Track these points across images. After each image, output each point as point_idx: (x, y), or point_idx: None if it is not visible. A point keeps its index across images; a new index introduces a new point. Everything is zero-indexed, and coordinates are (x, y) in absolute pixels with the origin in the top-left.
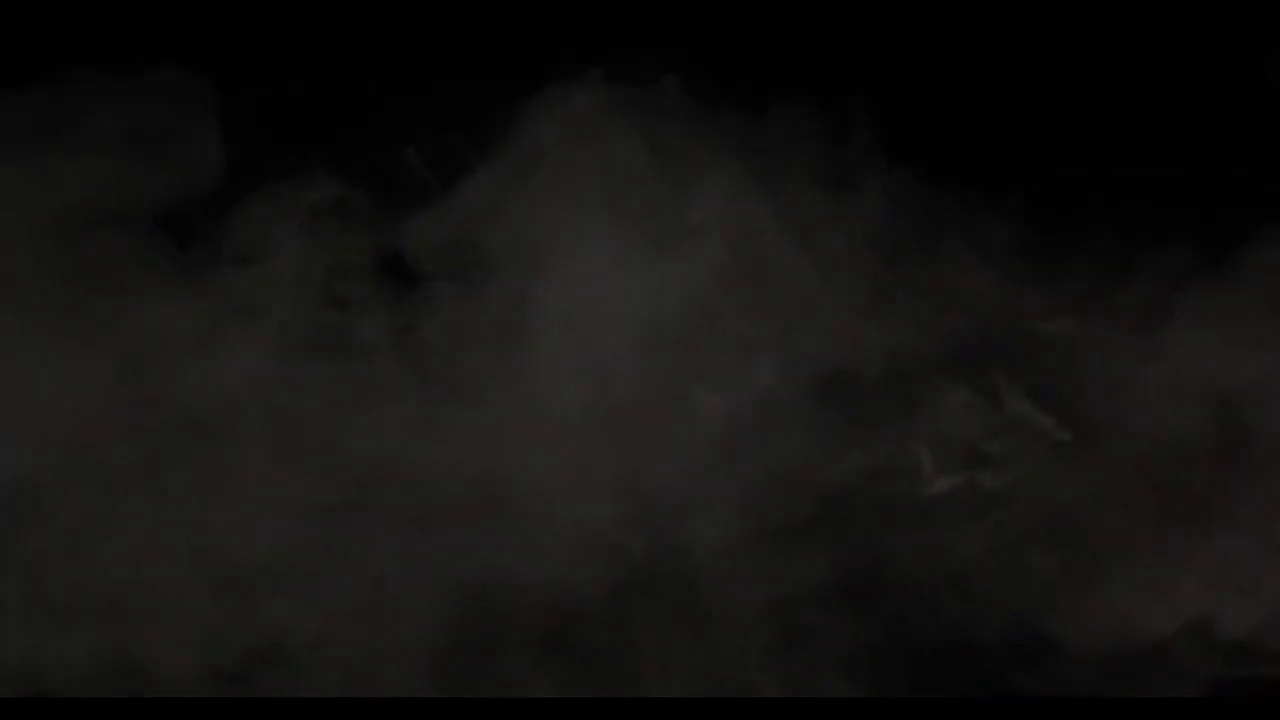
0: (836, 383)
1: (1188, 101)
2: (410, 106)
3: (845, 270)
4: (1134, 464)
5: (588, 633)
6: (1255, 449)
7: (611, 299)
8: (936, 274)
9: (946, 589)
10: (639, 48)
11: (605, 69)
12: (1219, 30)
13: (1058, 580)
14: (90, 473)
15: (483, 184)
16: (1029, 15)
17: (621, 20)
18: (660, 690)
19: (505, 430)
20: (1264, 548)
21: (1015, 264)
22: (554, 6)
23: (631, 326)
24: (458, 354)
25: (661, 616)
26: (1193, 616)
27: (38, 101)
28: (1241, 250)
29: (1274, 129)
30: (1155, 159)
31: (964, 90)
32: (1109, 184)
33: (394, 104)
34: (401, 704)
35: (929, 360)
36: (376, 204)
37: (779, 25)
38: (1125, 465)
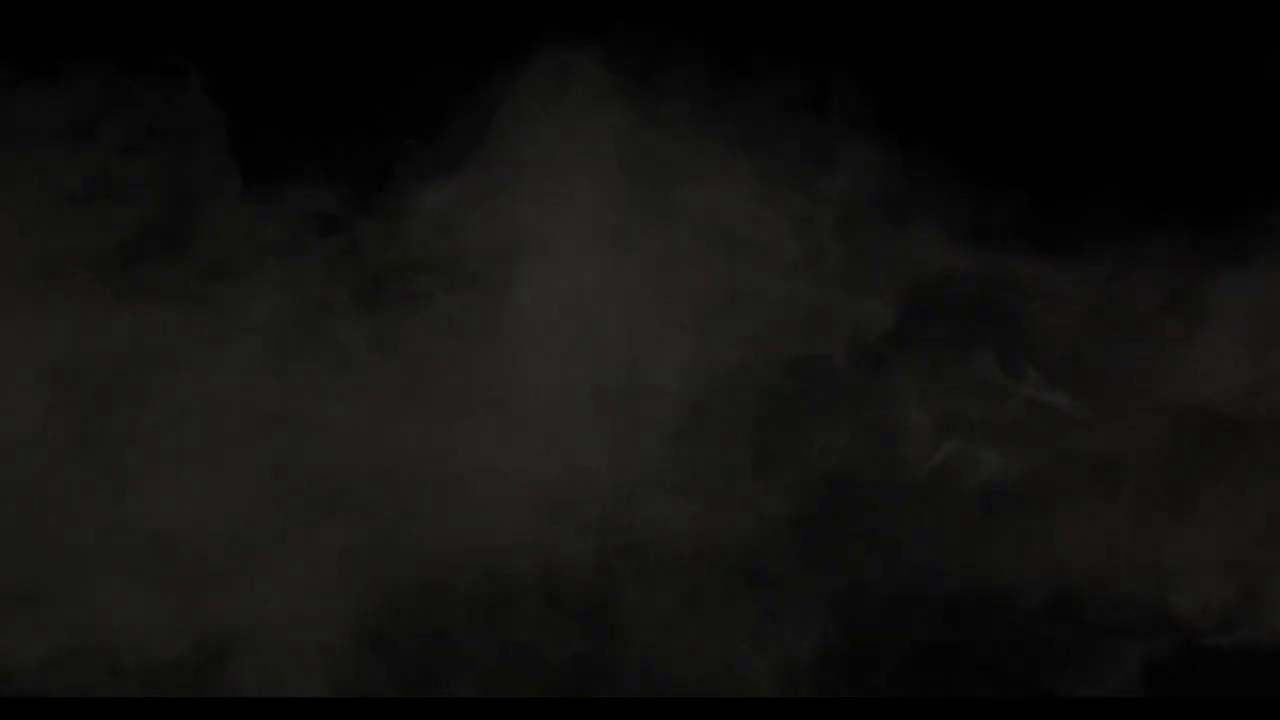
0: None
1: (1182, 78)
2: (402, 101)
3: (841, 252)
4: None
5: (571, 621)
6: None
7: (591, 284)
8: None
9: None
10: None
11: (594, 51)
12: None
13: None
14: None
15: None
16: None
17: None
18: (645, 676)
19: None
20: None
21: (1020, 244)
22: None
23: (615, 310)
24: (442, 346)
25: (645, 604)
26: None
27: (37, 101)
28: (1247, 237)
29: (1274, 121)
30: (1150, 144)
31: (965, 78)
32: (1104, 166)
33: (388, 99)
34: (394, 704)
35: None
36: (367, 198)
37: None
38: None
